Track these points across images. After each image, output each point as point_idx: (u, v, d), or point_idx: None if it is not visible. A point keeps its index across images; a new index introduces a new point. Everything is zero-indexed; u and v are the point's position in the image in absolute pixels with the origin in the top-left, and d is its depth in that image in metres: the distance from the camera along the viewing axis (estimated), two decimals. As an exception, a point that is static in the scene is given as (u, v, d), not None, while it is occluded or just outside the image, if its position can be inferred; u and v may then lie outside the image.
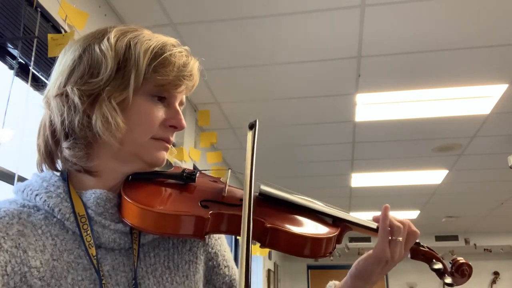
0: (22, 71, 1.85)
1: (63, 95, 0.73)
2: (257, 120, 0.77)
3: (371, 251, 0.82)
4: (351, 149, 4.50)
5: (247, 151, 0.73)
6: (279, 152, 4.54)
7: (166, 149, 0.79)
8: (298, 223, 0.81)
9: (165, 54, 0.75)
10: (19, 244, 0.67)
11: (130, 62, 0.73)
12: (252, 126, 0.76)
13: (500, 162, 4.58)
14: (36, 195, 0.73)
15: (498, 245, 8.68)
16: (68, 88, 0.73)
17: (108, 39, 0.74)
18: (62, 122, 0.73)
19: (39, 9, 1.87)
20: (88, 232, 0.71)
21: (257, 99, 3.46)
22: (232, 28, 2.59)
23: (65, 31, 1.96)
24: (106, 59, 0.72)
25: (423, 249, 0.90)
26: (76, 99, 0.72)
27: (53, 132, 0.75)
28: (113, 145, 0.73)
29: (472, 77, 3.11)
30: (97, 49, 0.74)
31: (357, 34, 2.64)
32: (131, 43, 0.75)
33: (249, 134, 0.76)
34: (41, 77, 1.91)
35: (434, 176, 5.27)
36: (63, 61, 0.77)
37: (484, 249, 8.87)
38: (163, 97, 0.77)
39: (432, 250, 0.91)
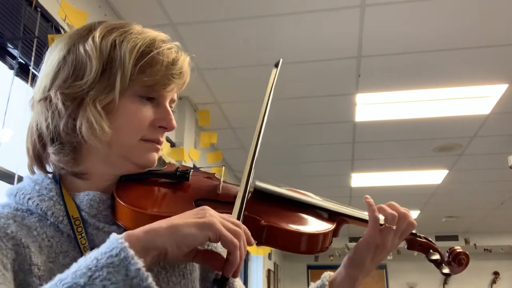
0: (22, 71, 1.85)
1: (46, 99, 0.71)
2: (281, 60, 0.80)
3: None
4: (351, 149, 4.50)
5: (268, 87, 0.77)
6: (279, 152, 4.54)
7: (157, 150, 0.77)
8: (294, 220, 0.80)
9: (152, 53, 0.72)
10: (20, 240, 0.66)
11: (116, 62, 0.71)
12: (277, 64, 0.79)
13: (500, 162, 4.58)
14: (29, 199, 0.71)
15: (498, 245, 8.67)
16: (52, 93, 0.71)
17: (93, 38, 0.72)
18: (47, 127, 0.71)
19: (39, 9, 1.87)
20: (83, 234, 0.70)
21: (257, 99, 3.45)
22: (232, 28, 2.59)
23: (65, 31, 1.97)
24: (91, 61, 0.70)
25: (420, 239, 0.89)
26: (60, 104, 0.70)
27: (39, 135, 0.73)
28: (101, 149, 0.72)
29: (472, 77, 3.11)
30: (81, 50, 0.71)
31: (357, 34, 2.64)
32: (117, 41, 0.72)
33: (273, 71, 0.78)
34: (41, 77, 1.91)
35: (434, 176, 5.27)
36: (49, 61, 0.75)
37: (484, 249, 8.86)
38: (152, 97, 0.75)
39: (429, 240, 0.90)
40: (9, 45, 1.79)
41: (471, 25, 2.54)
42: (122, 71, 0.70)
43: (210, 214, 0.60)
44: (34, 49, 1.81)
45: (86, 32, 0.74)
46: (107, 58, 0.71)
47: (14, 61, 1.83)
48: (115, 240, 0.53)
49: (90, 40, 0.72)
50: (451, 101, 3.44)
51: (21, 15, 1.78)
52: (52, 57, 0.74)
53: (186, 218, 0.59)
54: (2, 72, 1.83)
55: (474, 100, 3.42)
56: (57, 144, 0.72)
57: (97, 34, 0.72)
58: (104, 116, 0.70)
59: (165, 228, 0.57)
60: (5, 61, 1.82)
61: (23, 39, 1.79)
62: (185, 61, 0.76)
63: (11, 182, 1.75)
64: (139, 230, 0.56)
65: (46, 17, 1.91)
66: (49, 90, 0.72)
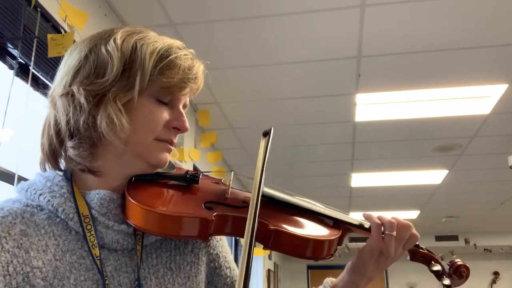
0: (22, 71, 1.85)
1: (68, 94, 0.73)
2: (272, 128, 0.78)
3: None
4: (351, 149, 4.50)
5: (259, 157, 0.75)
6: (279, 152, 4.54)
7: (169, 151, 0.79)
8: (300, 225, 0.82)
9: (170, 57, 0.75)
10: (21, 244, 0.67)
11: (136, 63, 0.73)
12: (266, 134, 0.78)
13: (500, 162, 4.58)
14: (40, 194, 0.73)
15: (498, 245, 8.68)
16: (74, 88, 0.73)
17: (114, 40, 0.75)
18: (67, 122, 0.73)
19: (39, 9, 1.87)
20: (92, 232, 0.71)
21: (257, 99, 3.46)
22: (232, 28, 2.59)
23: (65, 31, 1.97)
24: (112, 60, 0.73)
25: (422, 251, 0.92)
26: (82, 99, 0.72)
27: (58, 131, 0.75)
28: (118, 145, 0.73)
29: (472, 77, 3.11)
30: (103, 50, 0.74)
31: (357, 34, 2.64)
32: (137, 44, 0.75)
33: (262, 142, 0.77)
34: (41, 77, 1.91)
35: (434, 176, 5.27)
36: (69, 61, 0.77)
37: (484, 249, 8.87)
38: (168, 99, 0.77)
39: (430, 252, 0.93)
40: (9, 45, 1.79)
41: (471, 25, 2.54)
42: (141, 71, 0.73)
43: None
44: (34, 49, 1.81)
45: (107, 35, 0.77)
46: (128, 58, 0.74)
47: (14, 61, 1.83)
48: None
49: (111, 42, 0.75)
50: (451, 101, 3.44)
51: (21, 15, 1.79)
52: (72, 57, 0.77)
53: None
54: (2, 72, 1.83)
55: (474, 100, 3.42)
56: (76, 139, 0.73)
57: (119, 36, 0.75)
58: (124, 113, 0.72)
59: None
60: (5, 61, 1.82)
61: (23, 39, 1.79)
62: (200, 68, 0.80)
63: (11, 182, 1.75)
64: None
65: (46, 17, 1.91)
66: (70, 86, 0.74)
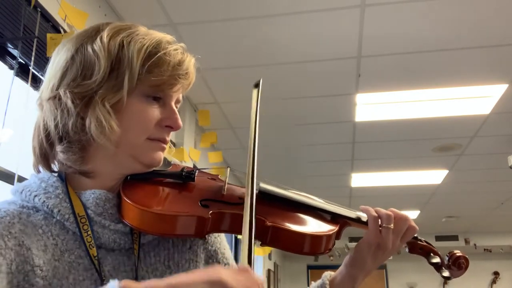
0: (22, 71, 1.86)
1: (56, 98, 0.72)
2: (261, 79, 0.80)
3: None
4: (351, 149, 4.50)
5: (252, 108, 0.77)
6: (279, 152, 4.54)
7: (163, 150, 0.78)
8: (298, 221, 0.82)
9: (159, 54, 0.73)
10: (22, 241, 0.67)
11: (124, 62, 0.72)
12: (257, 85, 0.80)
13: (500, 162, 4.58)
14: (35, 196, 0.72)
15: (498, 245, 8.67)
16: (61, 91, 0.72)
17: (101, 38, 0.73)
18: (56, 126, 0.72)
19: (39, 9, 1.87)
20: (89, 232, 0.70)
21: (257, 99, 3.45)
22: (232, 28, 2.59)
23: (65, 31, 1.97)
24: (99, 60, 0.71)
25: (421, 243, 0.92)
26: (69, 103, 0.71)
27: (47, 135, 0.74)
28: (108, 147, 0.72)
29: (472, 77, 3.11)
30: (89, 50, 0.72)
31: (357, 34, 2.64)
32: (125, 42, 0.73)
33: (254, 92, 0.79)
34: (41, 77, 1.91)
35: (434, 176, 5.27)
36: (56, 61, 0.75)
37: (484, 249, 8.87)
38: (159, 97, 0.76)
39: (429, 244, 0.93)
40: (9, 45, 1.79)
41: (471, 25, 2.54)
42: (130, 70, 0.71)
43: (221, 272, 0.54)
44: (34, 49, 1.81)
45: (94, 32, 0.75)
46: (115, 58, 0.72)
47: (14, 61, 1.83)
48: (111, 286, 0.50)
49: (98, 40, 0.73)
50: (451, 101, 3.44)
51: (21, 15, 1.79)
52: (60, 57, 0.75)
53: (192, 275, 0.54)
54: (2, 72, 1.83)
55: (474, 100, 3.42)
56: (65, 143, 0.72)
57: (105, 34, 0.73)
58: (113, 115, 0.71)
59: (165, 285, 0.52)
60: (5, 61, 1.82)
61: (23, 39, 1.79)
62: (190, 62, 0.78)
63: (11, 182, 1.75)
64: (140, 284, 0.51)
65: (46, 17, 1.91)
66: (57, 89, 0.73)
